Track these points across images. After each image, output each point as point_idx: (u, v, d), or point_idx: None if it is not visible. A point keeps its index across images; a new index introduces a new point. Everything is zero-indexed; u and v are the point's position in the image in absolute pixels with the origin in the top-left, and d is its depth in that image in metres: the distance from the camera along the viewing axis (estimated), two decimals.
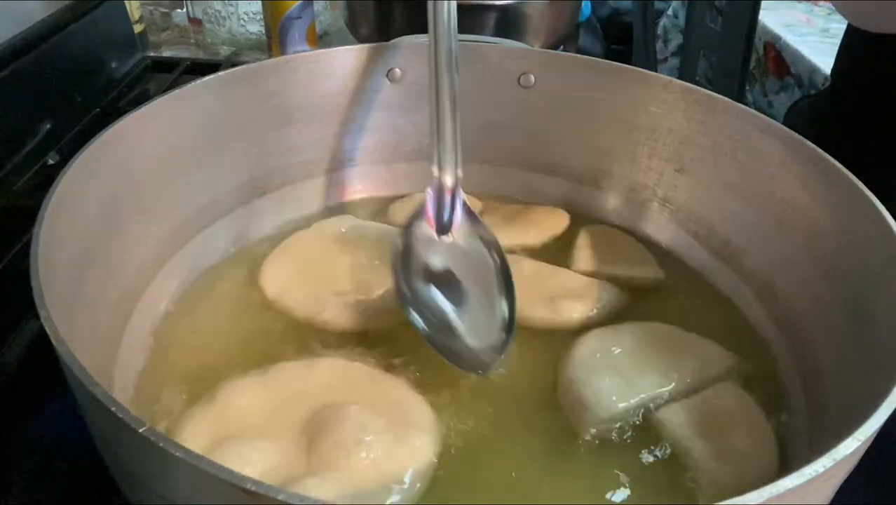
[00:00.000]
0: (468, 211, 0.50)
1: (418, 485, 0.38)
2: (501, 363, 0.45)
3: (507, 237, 0.54)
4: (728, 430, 0.42)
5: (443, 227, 0.50)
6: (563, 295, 0.51)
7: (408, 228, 0.49)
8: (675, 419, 0.43)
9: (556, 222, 0.60)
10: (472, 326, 0.46)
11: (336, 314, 0.49)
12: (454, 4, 0.46)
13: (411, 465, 0.39)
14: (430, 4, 0.46)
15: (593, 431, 0.42)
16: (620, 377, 0.44)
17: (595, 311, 0.51)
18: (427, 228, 0.49)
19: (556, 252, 0.57)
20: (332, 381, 0.43)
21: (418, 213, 0.50)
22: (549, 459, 0.41)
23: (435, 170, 0.49)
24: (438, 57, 0.47)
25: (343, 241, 0.55)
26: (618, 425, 0.43)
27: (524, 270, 0.53)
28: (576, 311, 0.50)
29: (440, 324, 0.46)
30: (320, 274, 0.52)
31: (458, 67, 0.48)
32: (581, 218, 0.60)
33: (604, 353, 0.46)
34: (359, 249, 0.54)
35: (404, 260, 0.48)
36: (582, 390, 0.43)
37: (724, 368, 0.47)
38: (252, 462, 0.37)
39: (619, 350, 0.47)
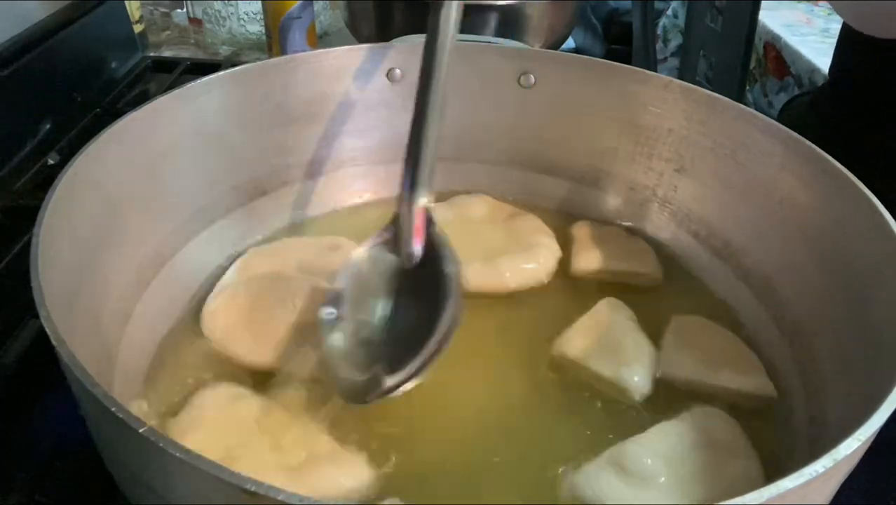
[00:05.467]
0: (437, 239, 0.45)
1: None
2: (374, 400, 0.40)
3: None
4: None
5: (408, 255, 0.45)
6: None
7: (364, 249, 0.46)
8: None
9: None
10: (383, 355, 0.42)
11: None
12: (459, 11, 0.45)
13: None
14: (433, 6, 0.44)
15: None
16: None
17: None
18: (384, 253, 0.46)
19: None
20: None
21: (379, 236, 0.46)
22: None
23: (406, 191, 0.45)
24: (434, 65, 0.44)
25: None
26: None
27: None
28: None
29: (351, 339, 0.43)
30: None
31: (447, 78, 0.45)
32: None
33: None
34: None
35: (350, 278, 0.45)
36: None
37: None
38: None
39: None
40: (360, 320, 0.44)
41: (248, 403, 0.42)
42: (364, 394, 0.40)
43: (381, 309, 0.45)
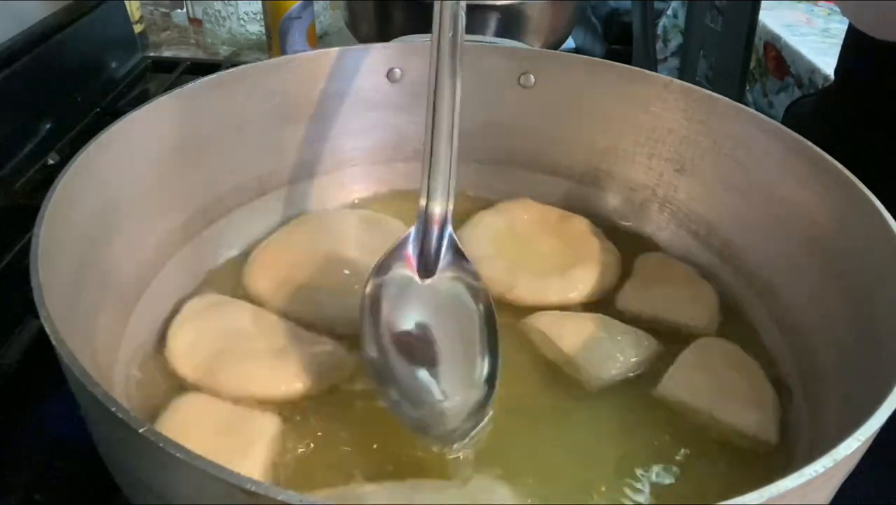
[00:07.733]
0: (456, 249, 0.44)
1: None
2: (475, 434, 0.39)
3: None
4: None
5: (427, 268, 0.43)
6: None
7: (381, 270, 0.42)
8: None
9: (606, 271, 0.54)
10: (447, 388, 0.40)
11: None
12: (463, 5, 0.44)
13: None
14: (436, 5, 0.43)
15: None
16: None
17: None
18: (404, 270, 0.43)
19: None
20: None
21: (395, 252, 0.43)
22: None
23: (423, 199, 0.43)
24: (441, 62, 0.43)
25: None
26: None
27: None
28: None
29: (410, 389, 0.40)
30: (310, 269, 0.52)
31: (461, 74, 0.45)
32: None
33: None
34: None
35: (374, 311, 0.41)
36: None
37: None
38: None
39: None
40: (399, 343, 0.41)
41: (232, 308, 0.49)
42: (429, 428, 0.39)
43: (413, 329, 0.42)
